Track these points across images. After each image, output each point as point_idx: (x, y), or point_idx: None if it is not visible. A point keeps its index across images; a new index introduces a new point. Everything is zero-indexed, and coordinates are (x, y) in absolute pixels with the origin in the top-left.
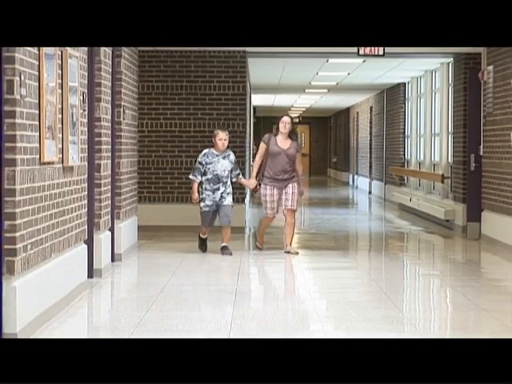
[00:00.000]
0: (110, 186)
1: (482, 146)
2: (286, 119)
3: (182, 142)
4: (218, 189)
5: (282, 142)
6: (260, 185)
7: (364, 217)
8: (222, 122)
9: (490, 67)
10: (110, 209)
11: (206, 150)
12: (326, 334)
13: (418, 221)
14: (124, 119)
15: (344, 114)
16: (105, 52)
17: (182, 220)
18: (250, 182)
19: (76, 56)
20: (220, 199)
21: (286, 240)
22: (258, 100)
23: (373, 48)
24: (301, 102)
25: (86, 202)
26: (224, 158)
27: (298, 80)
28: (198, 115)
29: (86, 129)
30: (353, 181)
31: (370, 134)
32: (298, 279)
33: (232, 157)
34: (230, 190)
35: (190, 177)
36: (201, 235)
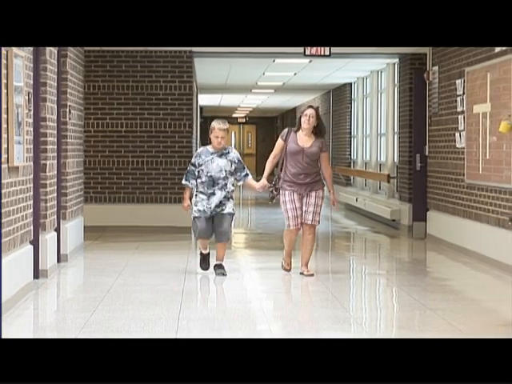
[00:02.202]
0: (55, 187)
1: (427, 145)
2: (310, 112)
3: (128, 142)
4: (214, 193)
5: (304, 138)
6: (277, 190)
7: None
8: (168, 122)
9: (435, 67)
10: (55, 209)
11: (200, 149)
12: (272, 334)
13: (365, 221)
14: (70, 119)
15: (291, 114)
16: (50, 52)
17: (129, 220)
18: (259, 185)
19: (21, 56)
20: (217, 206)
21: (302, 259)
22: (204, 100)
23: (319, 48)
24: (247, 102)
25: (31, 202)
26: (221, 156)
27: (245, 80)
28: (145, 115)
29: (32, 129)
30: None
31: None
32: (245, 279)
33: (233, 155)
34: (230, 194)
35: (183, 182)
36: (201, 250)
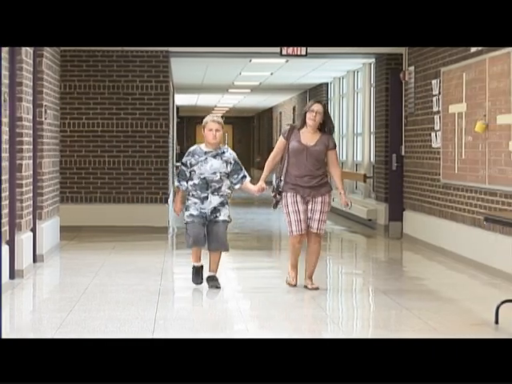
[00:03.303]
0: (31, 186)
1: (403, 145)
2: (317, 108)
3: (104, 141)
4: (207, 198)
5: (308, 136)
6: (280, 194)
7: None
8: (144, 122)
9: (411, 68)
10: (31, 209)
11: (192, 148)
12: (249, 334)
13: (341, 220)
14: (46, 119)
15: (267, 114)
16: (26, 51)
17: (105, 220)
18: (256, 188)
19: None
20: (211, 213)
21: (307, 271)
22: (181, 100)
23: (295, 48)
24: (224, 102)
25: (7, 202)
26: (216, 156)
27: (221, 80)
28: (121, 115)
29: (8, 129)
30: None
31: None
32: (221, 279)
33: (229, 155)
34: (224, 199)
35: (175, 184)
36: (193, 263)
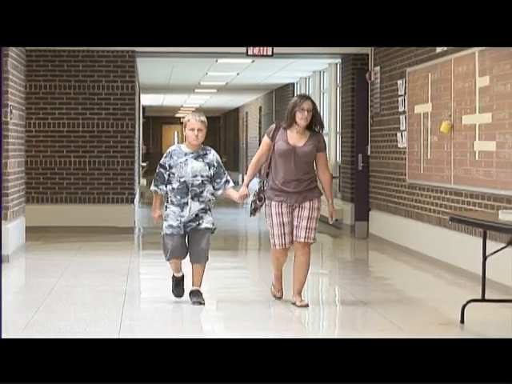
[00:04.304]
0: None
1: (369, 145)
2: (307, 106)
3: (70, 141)
4: (187, 203)
5: (296, 136)
6: (261, 200)
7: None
8: (110, 122)
9: (377, 68)
10: None
11: (171, 148)
12: (216, 334)
13: None
14: (11, 119)
15: (233, 114)
16: None
17: (71, 221)
18: (238, 195)
19: None
20: (192, 220)
21: (294, 286)
22: (147, 100)
23: (261, 48)
24: (190, 102)
25: None
26: (197, 157)
27: (188, 80)
28: (87, 115)
29: None
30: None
31: (260, 133)
32: (187, 279)
33: (212, 156)
34: (208, 206)
35: (151, 188)
36: (173, 273)
